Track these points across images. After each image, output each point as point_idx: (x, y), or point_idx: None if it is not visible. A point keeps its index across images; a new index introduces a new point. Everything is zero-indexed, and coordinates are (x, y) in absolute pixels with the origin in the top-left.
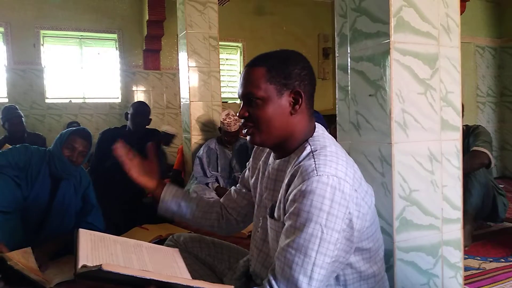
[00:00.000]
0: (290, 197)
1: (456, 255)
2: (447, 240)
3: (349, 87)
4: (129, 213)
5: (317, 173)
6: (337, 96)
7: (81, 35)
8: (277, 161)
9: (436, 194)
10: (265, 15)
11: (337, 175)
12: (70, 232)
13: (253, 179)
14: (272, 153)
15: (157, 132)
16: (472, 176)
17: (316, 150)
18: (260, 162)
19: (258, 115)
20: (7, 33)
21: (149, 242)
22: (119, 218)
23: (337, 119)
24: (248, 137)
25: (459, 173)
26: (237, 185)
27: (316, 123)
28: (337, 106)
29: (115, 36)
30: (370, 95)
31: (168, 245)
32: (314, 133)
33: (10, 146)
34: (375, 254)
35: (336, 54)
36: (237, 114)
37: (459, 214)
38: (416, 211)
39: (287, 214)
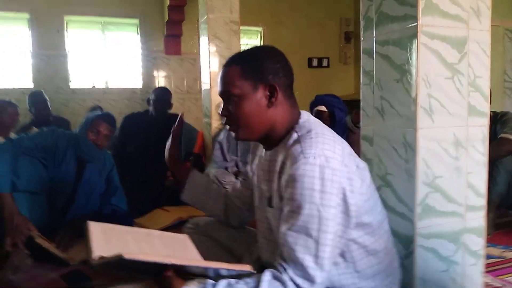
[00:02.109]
0: (283, 184)
1: (478, 243)
2: (469, 227)
3: (374, 72)
4: (151, 196)
5: (304, 156)
6: (361, 81)
7: (104, 21)
8: (268, 152)
9: (460, 181)
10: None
11: (323, 154)
12: (94, 213)
13: (252, 170)
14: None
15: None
16: (499, 163)
17: (302, 135)
18: (257, 155)
19: (236, 112)
20: (32, 19)
21: (170, 223)
22: (141, 200)
23: (361, 104)
24: (233, 134)
25: (485, 160)
26: (243, 177)
27: (302, 111)
28: (361, 91)
29: (136, 21)
30: (396, 81)
31: (188, 228)
32: (300, 120)
33: (37, 130)
34: (378, 228)
35: (361, 38)
36: (219, 112)
37: (483, 202)
38: (439, 197)
39: (283, 200)
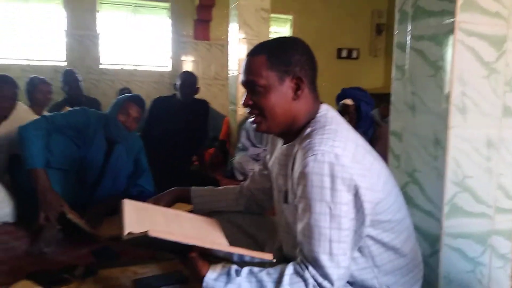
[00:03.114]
0: (295, 181)
1: (506, 246)
2: (498, 229)
3: (407, 67)
4: (177, 179)
5: (312, 152)
6: (393, 75)
7: (135, 3)
8: (284, 146)
9: (490, 182)
10: None
11: (333, 151)
12: (121, 193)
13: (270, 163)
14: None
15: (206, 103)
16: None
17: (315, 131)
18: (276, 147)
19: (261, 102)
20: (67, 1)
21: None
22: (166, 183)
23: (391, 98)
24: (254, 125)
25: None
26: (260, 167)
27: (324, 104)
28: (392, 85)
29: (167, 5)
30: (429, 77)
31: (212, 215)
32: (317, 115)
33: (70, 108)
34: (398, 225)
35: (395, 31)
36: (242, 103)
37: None
38: (468, 197)
39: (297, 198)
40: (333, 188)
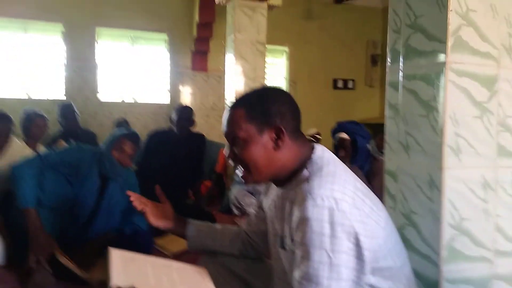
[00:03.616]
0: (293, 226)
1: None
2: (499, 274)
3: (399, 106)
4: None
5: (311, 196)
6: (386, 114)
7: (133, 34)
8: (281, 189)
9: (488, 224)
10: (313, 20)
11: (333, 195)
12: (115, 231)
13: (266, 205)
14: None
15: (202, 137)
16: None
17: (312, 173)
18: (272, 188)
19: (243, 155)
20: (67, 30)
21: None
22: None
23: (385, 137)
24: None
25: None
26: (257, 209)
27: (317, 144)
28: (385, 123)
29: (165, 36)
30: (422, 117)
31: (205, 258)
32: (313, 155)
33: (64, 143)
34: (397, 272)
35: (387, 70)
36: (226, 155)
37: None
38: (466, 241)
39: (295, 244)
40: (333, 236)
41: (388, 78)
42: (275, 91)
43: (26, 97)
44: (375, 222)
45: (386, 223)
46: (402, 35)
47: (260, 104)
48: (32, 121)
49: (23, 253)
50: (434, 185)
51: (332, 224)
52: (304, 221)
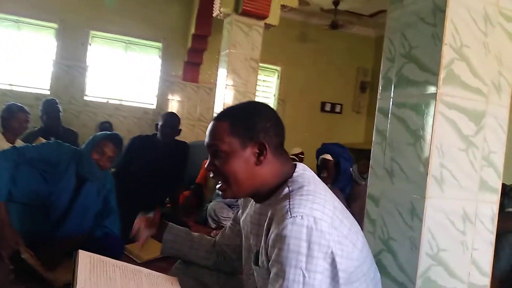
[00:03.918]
0: (270, 243)
1: None
2: None
3: (387, 132)
4: None
5: (291, 215)
6: (374, 139)
7: (128, 40)
8: (258, 205)
9: (465, 256)
10: (307, 43)
11: (312, 214)
12: (86, 233)
13: (242, 219)
14: None
15: (186, 145)
16: (503, 237)
17: (293, 191)
18: (249, 202)
19: (223, 167)
20: (60, 30)
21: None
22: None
23: (371, 162)
24: (220, 193)
25: (492, 238)
26: (231, 222)
27: (298, 163)
28: (372, 149)
29: (159, 45)
30: (409, 145)
31: (177, 268)
32: (294, 173)
33: (43, 140)
34: None
35: (378, 97)
36: (205, 167)
37: (487, 281)
38: (441, 272)
39: (270, 262)
40: (309, 255)
41: (378, 104)
42: (261, 107)
43: (9, 88)
44: (352, 244)
45: (363, 246)
46: (395, 63)
47: (245, 119)
48: (14, 115)
49: None
50: (415, 213)
51: (309, 243)
52: (281, 238)
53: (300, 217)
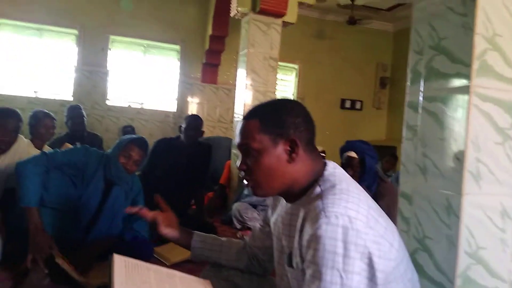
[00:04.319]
0: (304, 243)
1: None
2: None
3: (418, 127)
4: None
5: (325, 214)
6: (403, 135)
7: (146, 43)
8: (289, 204)
9: (505, 254)
10: (325, 39)
11: (347, 213)
12: (115, 237)
13: (272, 220)
14: None
15: (209, 147)
16: None
17: (325, 190)
18: (279, 203)
19: (255, 166)
20: (80, 35)
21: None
22: None
23: (402, 159)
24: (250, 190)
25: None
26: (261, 223)
27: (329, 161)
28: (402, 145)
29: (178, 47)
30: (442, 140)
31: (208, 271)
32: (325, 172)
33: (70, 145)
34: None
35: (407, 91)
36: (237, 167)
37: None
38: (481, 270)
39: (305, 262)
40: (346, 255)
41: (407, 98)
42: (290, 103)
43: (34, 96)
44: (389, 243)
45: (400, 246)
46: (424, 56)
47: (275, 115)
48: (41, 121)
49: (21, 252)
50: (451, 211)
51: (345, 243)
52: (316, 239)
53: (335, 216)
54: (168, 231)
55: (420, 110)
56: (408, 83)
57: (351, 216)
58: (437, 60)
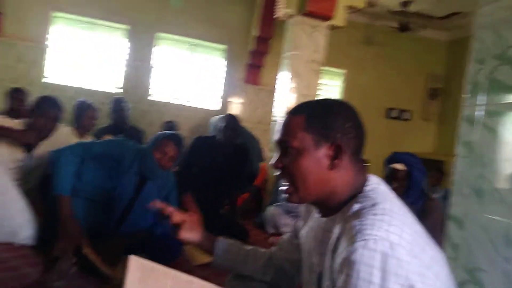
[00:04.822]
0: (336, 267)
1: None
2: None
3: (475, 144)
4: (205, 221)
5: (363, 237)
6: (457, 151)
7: (193, 42)
8: (324, 219)
9: None
10: (373, 46)
11: (388, 238)
12: (146, 231)
13: (303, 233)
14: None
15: (246, 147)
16: None
17: (365, 209)
18: (312, 215)
19: (291, 166)
20: (131, 31)
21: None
22: None
23: (454, 177)
24: (286, 195)
25: None
26: (290, 234)
27: (372, 175)
28: (456, 163)
29: (224, 47)
30: (504, 161)
31: (231, 281)
32: (366, 188)
33: (111, 137)
34: None
35: (465, 104)
36: (272, 164)
37: None
38: None
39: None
40: (383, 286)
41: (463, 112)
42: (343, 105)
43: (82, 86)
44: (434, 276)
45: (447, 278)
46: (486, 66)
47: (323, 115)
48: (84, 112)
49: (53, 238)
50: (511, 242)
51: (384, 272)
52: (350, 264)
53: (374, 240)
54: (189, 235)
55: (477, 125)
56: (465, 95)
57: (392, 241)
58: (502, 70)
